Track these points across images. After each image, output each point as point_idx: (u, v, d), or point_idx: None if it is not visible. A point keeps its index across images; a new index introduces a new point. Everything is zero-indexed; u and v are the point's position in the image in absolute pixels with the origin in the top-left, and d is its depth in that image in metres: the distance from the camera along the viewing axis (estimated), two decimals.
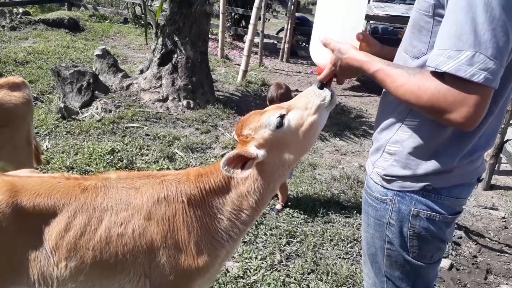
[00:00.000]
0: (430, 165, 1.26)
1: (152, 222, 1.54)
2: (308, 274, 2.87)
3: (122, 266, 1.54)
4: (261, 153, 1.51)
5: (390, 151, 1.34)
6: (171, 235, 1.54)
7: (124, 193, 1.58)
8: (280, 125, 1.50)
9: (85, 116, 4.92)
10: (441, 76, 1.07)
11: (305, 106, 1.52)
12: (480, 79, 1.00)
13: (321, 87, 1.52)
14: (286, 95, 3.32)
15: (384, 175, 1.36)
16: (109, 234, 1.51)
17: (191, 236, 1.56)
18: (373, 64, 1.23)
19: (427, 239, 1.35)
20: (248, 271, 2.82)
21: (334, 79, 1.49)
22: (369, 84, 8.30)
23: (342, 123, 6.00)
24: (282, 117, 1.51)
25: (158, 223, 1.54)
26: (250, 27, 7.39)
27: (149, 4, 6.29)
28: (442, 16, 1.10)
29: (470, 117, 1.03)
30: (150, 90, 5.69)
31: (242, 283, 2.69)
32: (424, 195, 1.30)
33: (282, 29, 10.48)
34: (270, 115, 1.53)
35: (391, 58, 1.36)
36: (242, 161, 1.48)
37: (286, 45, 9.73)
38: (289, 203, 3.67)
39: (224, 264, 1.94)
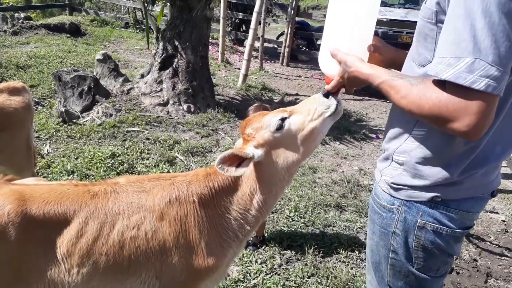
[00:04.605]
0: (439, 175, 1.23)
1: (165, 223, 1.55)
2: (308, 277, 2.87)
3: (135, 269, 1.54)
4: (258, 153, 1.54)
5: (398, 160, 1.31)
6: (183, 235, 1.55)
7: (135, 196, 1.58)
8: (280, 127, 1.53)
9: (86, 120, 4.93)
10: (443, 84, 1.04)
11: (308, 112, 1.54)
12: (481, 86, 0.96)
13: (326, 95, 1.52)
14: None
15: (392, 183, 1.33)
16: (122, 238, 1.51)
17: (202, 236, 1.57)
18: (378, 76, 1.23)
19: (433, 252, 1.30)
20: (248, 274, 2.82)
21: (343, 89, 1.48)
22: (369, 88, 8.30)
23: (342, 127, 6.00)
24: (283, 120, 1.54)
25: (170, 223, 1.55)
26: (251, 31, 7.43)
27: (150, 9, 6.31)
28: None
29: (474, 125, 0.99)
30: (150, 94, 5.71)
31: (242, 287, 2.69)
32: (432, 206, 1.26)
33: (282, 34, 10.54)
34: (271, 117, 1.56)
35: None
36: (238, 160, 1.50)
37: (286, 49, 9.77)
38: (266, 236, 3.25)
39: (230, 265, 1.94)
